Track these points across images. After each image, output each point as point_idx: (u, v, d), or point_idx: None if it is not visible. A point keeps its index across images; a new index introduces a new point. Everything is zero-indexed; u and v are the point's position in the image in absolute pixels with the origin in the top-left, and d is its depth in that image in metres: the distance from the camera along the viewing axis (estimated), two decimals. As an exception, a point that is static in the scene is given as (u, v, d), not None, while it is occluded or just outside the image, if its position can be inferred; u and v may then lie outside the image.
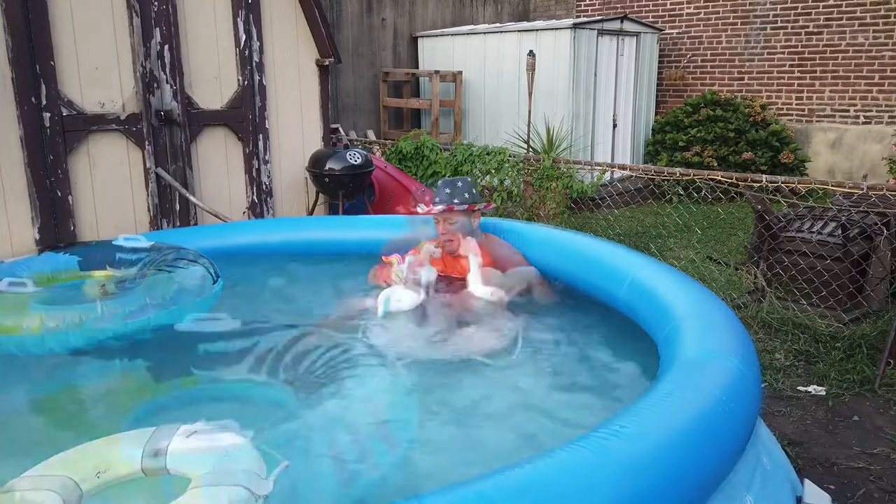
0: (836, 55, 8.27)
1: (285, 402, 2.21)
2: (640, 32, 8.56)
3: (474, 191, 3.00)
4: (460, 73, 8.46)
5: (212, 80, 4.67)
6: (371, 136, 8.56)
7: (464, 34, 8.75)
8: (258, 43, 4.78)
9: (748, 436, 1.70)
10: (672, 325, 2.14)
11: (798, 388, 3.41)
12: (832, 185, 4.53)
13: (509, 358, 2.54)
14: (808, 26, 8.39)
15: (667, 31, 9.37)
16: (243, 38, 4.72)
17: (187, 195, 4.46)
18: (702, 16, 9.14)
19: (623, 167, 5.98)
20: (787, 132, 8.19)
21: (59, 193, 4.08)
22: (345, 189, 5.10)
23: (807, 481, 2.03)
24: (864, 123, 8.22)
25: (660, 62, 9.27)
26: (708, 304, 2.24)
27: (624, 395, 2.29)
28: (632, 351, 2.55)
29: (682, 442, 1.48)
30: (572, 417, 2.24)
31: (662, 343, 2.15)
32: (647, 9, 9.55)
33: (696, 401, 1.60)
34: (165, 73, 4.41)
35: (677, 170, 5.19)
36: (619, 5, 9.78)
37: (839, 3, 8.13)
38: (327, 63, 5.16)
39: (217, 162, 4.79)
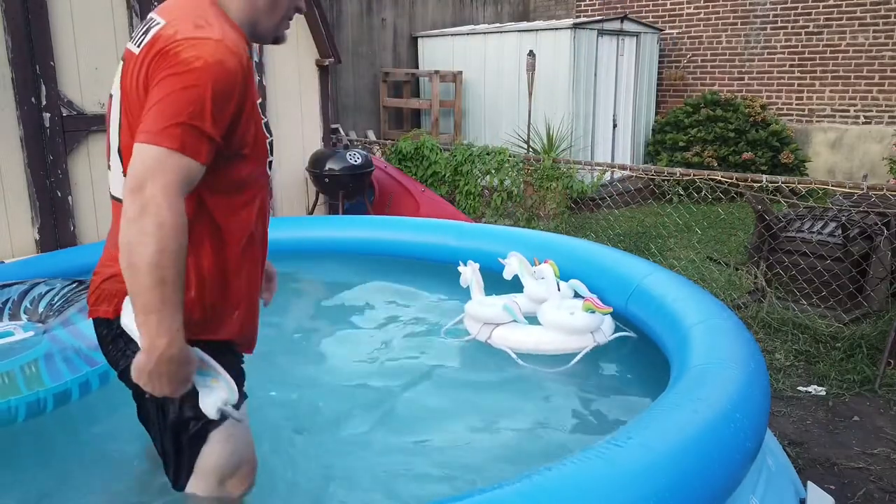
0: (836, 55, 8.27)
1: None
2: (640, 32, 8.56)
3: None
4: (460, 73, 8.46)
5: (212, 80, 4.66)
6: (371, 136, 8.55)
7: (464, 34, 8.74)
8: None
9: (757, 448, 1.68)
10: (681, 336, 2.13)
11: (798, 388, 3.41)
12: (832, 185, 4.53)
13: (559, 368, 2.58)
14: (808, 26, 8.39)
15: (667, 31, 9.37)
16: (243, 38, 4.71)
17: (187, 195, 4.45)
18: (702, 16, 9.14)
19: (623, 167, 5.98)
20: (787, 132, 8.19)
21: (59, 194, 4.07)
22: (345, 189, 5.10)
23: (810, 483, 2.03)
24: (864, 123, 8.22)
25: (660, 62, 9.27)
26: (717, 313, 2.23)
27: (635, 406, 2.30)
28: (644, 361, 2.56)
29: (689, 454, 1.47)
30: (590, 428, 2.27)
31: (672, 353, 2.15)
32: (647, 9, 9.55)
33: (704, 412, 1.59)
34: (165, 74, 4.40)
35: (677, 170, 5.19)
36: (619, 5, 9.77)
37: (839, 3, 8.13)
38: (327, 63, 5.16)
39: (217, 162, 4.78)
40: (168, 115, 1.27)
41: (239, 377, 1.53)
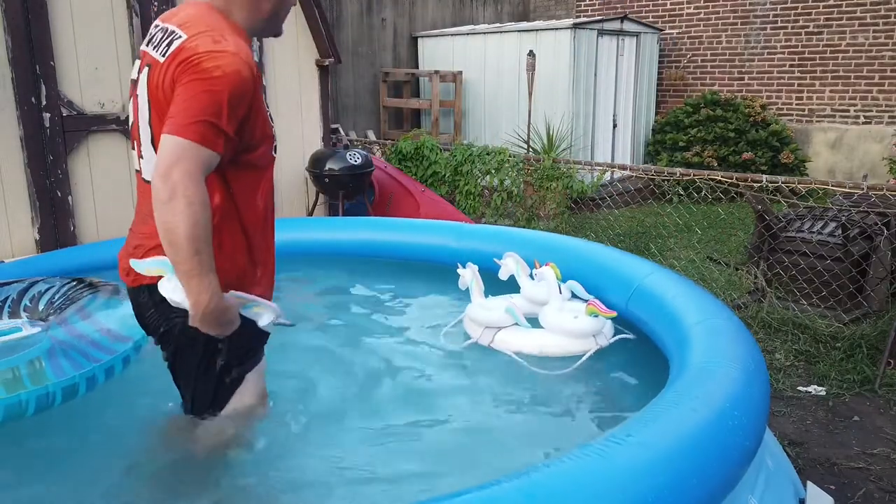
0: (836, 55, 8.27)
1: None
2: (640, 32, 8.56)
3: None
4: (460, 73, 8.46)
5: (212, 80, 4.66)
6: (371, 136, 8.56)
7: (464, 34, 8.74)
8: (258, 43, 4.78)
9: (756, 447, 1.68)
10: (681, 335, 2.13)
11: (798, 388, 3.41)
12: (832, 185, 4.53)
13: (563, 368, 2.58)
14: (808, 26, 8.39)
15: (667, 31, 9.37)
16: (243, 38, 4.71)
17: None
18: (702, 16, 9.14)
19: (623, 167, 5.98)
20: (787, 132, 8.18)
21: (59, 194, 4.07)
22: (345, 189, 5.10)
23: (810, 483, 2.03)
24: (864, 123, 8.22)
25: (660, 62, 9.27)
26: (716, 313, 2.23)
27: (636, 406, 2.30)
28: (645, 362, 2.55)
29: (688, 452, 1.47)
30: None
31: (672, 353, 2.15)
32: (647, 9, 9.55)
33: (702, 410, 1.59)
34: (165, 74, 4.40)
35: (677, 170, 5.19)
36: (619, 5, 9.77)
37: (839, 3, 8.13)
38: (327, 63, 5.16)
39: (217, 162, 4.78)
40: (192, 113, 1.54)
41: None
